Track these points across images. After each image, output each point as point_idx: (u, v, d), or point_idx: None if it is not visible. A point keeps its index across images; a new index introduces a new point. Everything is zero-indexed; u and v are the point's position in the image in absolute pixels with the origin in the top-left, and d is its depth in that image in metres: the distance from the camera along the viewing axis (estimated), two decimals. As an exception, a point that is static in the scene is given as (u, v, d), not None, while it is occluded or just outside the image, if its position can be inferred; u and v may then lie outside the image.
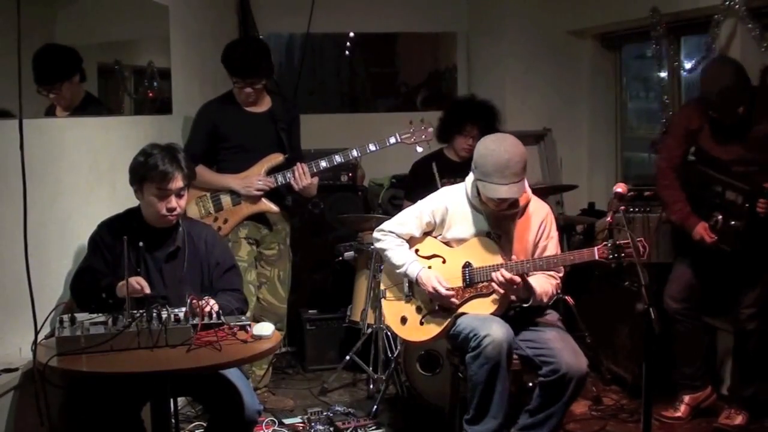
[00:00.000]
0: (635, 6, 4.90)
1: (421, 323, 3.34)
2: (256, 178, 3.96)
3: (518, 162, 3.09)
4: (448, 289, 3.23)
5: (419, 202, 3.44)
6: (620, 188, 3.10)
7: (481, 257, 3.24)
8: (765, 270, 3.71)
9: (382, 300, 3.49)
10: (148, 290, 2.82)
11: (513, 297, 3.20)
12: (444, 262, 3.32)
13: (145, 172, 2.95)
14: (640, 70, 5.82)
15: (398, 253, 3.36)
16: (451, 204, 3.34)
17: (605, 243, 3.00)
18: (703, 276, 3.87)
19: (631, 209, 4.36)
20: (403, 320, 3.38)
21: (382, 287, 3.50)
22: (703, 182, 3.77)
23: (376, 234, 3.46)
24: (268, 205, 4.02)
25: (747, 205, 3.58)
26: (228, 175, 3.99)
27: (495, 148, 3.13)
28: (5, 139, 2.56)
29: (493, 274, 3.15)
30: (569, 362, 3.05)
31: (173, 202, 2.97)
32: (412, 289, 3.38)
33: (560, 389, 3.07)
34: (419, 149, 4.12)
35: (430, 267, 3.31)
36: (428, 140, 4.10)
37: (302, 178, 3.95)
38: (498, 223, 3.28)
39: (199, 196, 3.96)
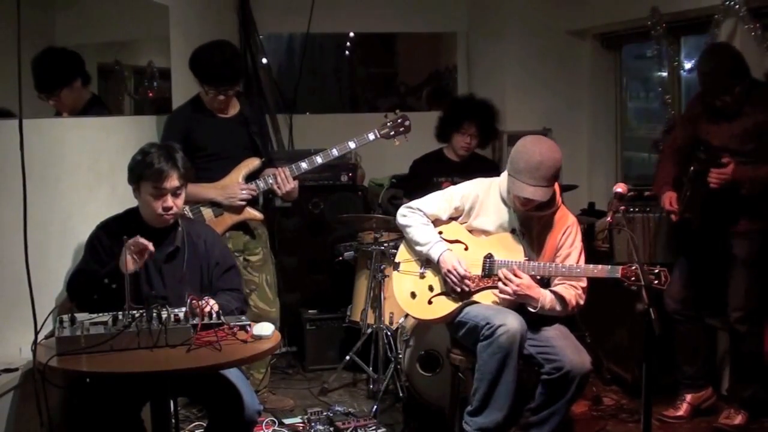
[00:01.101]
0: (635, 6, 4.90)
1: (430, 302, 3.35)
2: (237, 187, 3.83)
3: (550, 167, 3.09)
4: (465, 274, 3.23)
5: (451, 187, 3.46)
6: (620, 188, 3.11)
7: (505, 252, 3.26)
8: (746, 272, 3.72)
9: (395, 272, 3.49)
10: (151, 246, 2.82)
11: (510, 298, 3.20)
12: (466, 249, 3.34)
13: (141, 170, 2.96)
14: (640, 70, 5.82)
15: (423, 231, 3.37)
16: (482, 193, 3.36)
17: (630, 265, 3.01)
18: (702, 276, 3.88)
19: (631, 209, 4.36)
20: (413, 295, 3.39)
21: (396, 260, 3.50)
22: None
23: (402, 210, 3.47)
24: (252, 213, 3.92)
25: (692, 168, 3.65)
26: (206, 185, 3.82)
27: (531, 148, 3.14)
28: (5, 139, 2.56)
29: (499, 272, 3.17)
30: (573, 360, 3.06)
31: (169, 201, 2.96)
32: (428, 266, 3.38)
33: (563, 387, 3.07)
34: (397, 143, 4.05)
35: (450, 251, 3.32)
36: (406, 133, 4.03)
37: (285, 182, 3.86)
38: (524, 222, 3.30)
39: None
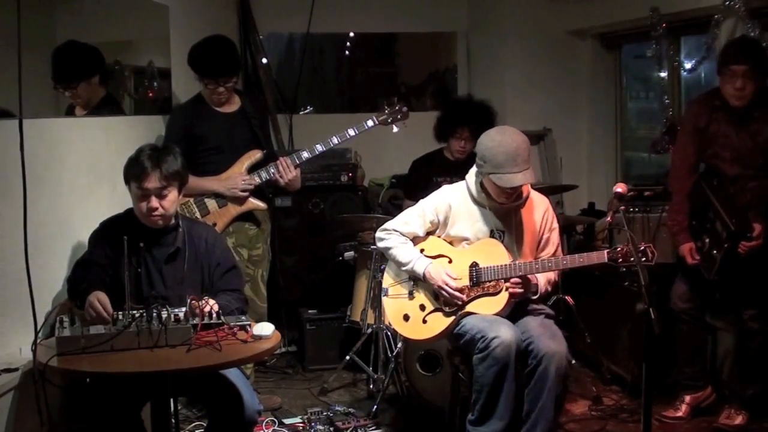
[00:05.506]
0: (635, 6, 4.90)
1: (424, 321, 3.32)
2: (239, 177, 3.90)
3: (525, 148, 3.14)
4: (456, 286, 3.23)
5: (421, 201, 3.43)
6: (620, 188, 3.10)
7: (488, 256, 3.24)
8: (764, 271, 3.71)
9: (384, 297, 3.46)
10: (106, 313, 2.68)
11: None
12: (450, 262, 3.31)
13: (128, 169, 2.97)
14: (640, 70, 5.82)
15: (404, 251, 3.34)
16: (454, 201, 3.34)
17: (615, 247, 3.04)
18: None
19: (631, 209, 4.36)
20: (406, 318, 3.37)
21: (384, 285, 3.47)
22: (704, 202, 3.77)
23: (379, 233, 3.44)
24: (256, 203, 3.97)
25: (726, 245, 3.61)
26: (209, 178, 3.89)
27: (501, 139, 3.16)
28: (5, 139, 2.56)
29: (505, 287, 3.19)
30: (548, 345, 3.06)
31: (154, 202, 2.93)
32: (415, 286, 3.37)
33: (543, 376, 3.05)
34: (395, 129, 4.09)
35: (434, 263, 3.29)
36: (404, 119, 4.08)
37: (286, 171, 3.92)
38: (502, 218, 3.29)
39: (183, 203, 3.80)
